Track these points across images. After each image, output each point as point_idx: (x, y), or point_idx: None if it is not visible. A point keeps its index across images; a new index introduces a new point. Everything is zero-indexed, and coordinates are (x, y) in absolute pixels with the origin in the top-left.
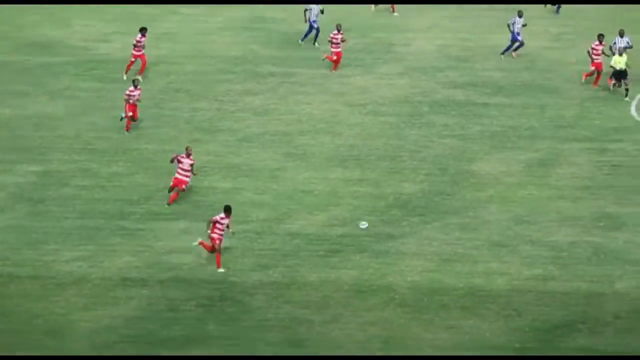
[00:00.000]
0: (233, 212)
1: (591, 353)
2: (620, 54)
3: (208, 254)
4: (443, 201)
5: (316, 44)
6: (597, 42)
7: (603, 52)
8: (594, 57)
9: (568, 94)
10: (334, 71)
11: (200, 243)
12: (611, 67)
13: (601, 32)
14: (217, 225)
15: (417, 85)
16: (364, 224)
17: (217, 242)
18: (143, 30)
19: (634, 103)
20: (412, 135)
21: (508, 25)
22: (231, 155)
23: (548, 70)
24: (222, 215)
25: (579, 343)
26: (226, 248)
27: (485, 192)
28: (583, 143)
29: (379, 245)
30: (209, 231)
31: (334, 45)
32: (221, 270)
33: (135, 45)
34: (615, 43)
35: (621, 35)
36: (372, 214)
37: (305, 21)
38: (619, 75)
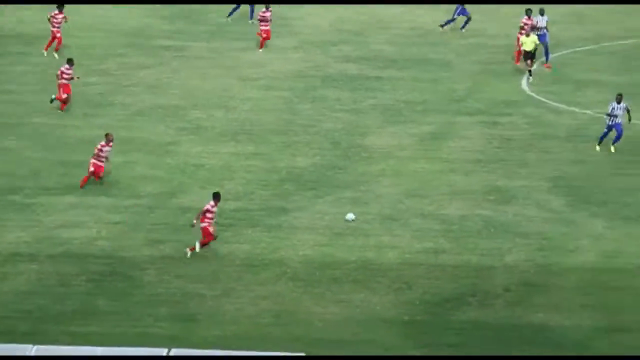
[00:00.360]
0: (125, 186)
1: (481, 325)
2: (528, 35)
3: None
4: (335, 175)
5: (251, 21)
6: (525, 17)
7: (533, 27)
8: (522, 32)
9: (460, 68)
10: (260, 49)
11: (192, 249)
12: (519, 46)
13: (529, 8)
14: (207, 214)
15: (310, 59)
16: (350, 217)
17: (211, 228)
18: (60, 7)
19: (524, 77)
20: (305, 110)
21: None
22: (123, 130)
23: (440, 44)
24: (212, 202)
25: (469, 316)
26: (117, 223)
27: (378, 165)
28: (474, 116)
29: (271, 220)
30: (195, 221)
31: (262, 23)
32: (190, 251)
33: (51, 22)
34: (537, 22)
35: (542, 14)
36: (265, 188)
37: None
38: (527, 55)
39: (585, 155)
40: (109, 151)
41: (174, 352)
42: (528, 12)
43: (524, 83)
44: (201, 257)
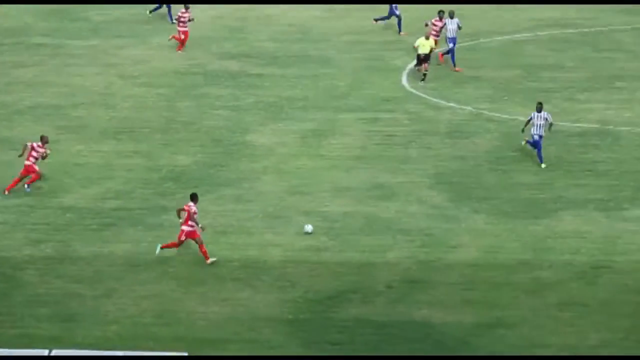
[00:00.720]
0: (5, 185)
1: (363, 323)
2: (427, 38)
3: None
4: (217, 173)
5: (150, 14)
6: (436, 18)
7: (440, 30)
8: (432, 33)
9: (341, 64)
10: (178, 51)
11: (164, 247)
12: (414, 48)
13: (441, 9)
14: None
15: (191, 56)
16: (308, 228)
17: (198, 235)
18: None
19: (405, 73)
20: (186, 107)
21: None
22: (3, 129)
23: (320, 41)
24: (191, 203)
25: (352, 313)
26: None
27: (260, 163)
28: (356, 113)
29: (153, 219)
30: (181, 221)
31: (181, 24)
32: (213, 259)
33: None
34: (445, 24)
35: (451, 16)
36: (147, 186)
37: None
38: (423, 58)
39: (466, 151)
40: (42, 153)
41: (55, 353)
42: (440, 14)
43: (404, 79)
44: (82, 257)
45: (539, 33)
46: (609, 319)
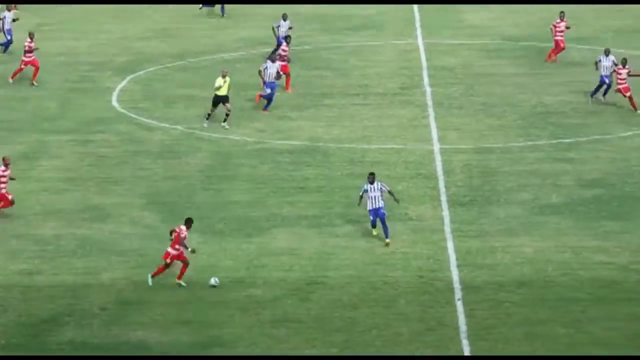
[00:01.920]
0: None
1: (78, 346)
2: (224, 76)
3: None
4: None
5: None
6: (285, 45)
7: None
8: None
9: (49, 86)
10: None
11: (155, 275)
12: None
13: (288, 34)
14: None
15: None
16: (214, 281)
17: (185, 257)
18: None
19: (114, 93)
20: None
21: (273, 29)
22: None
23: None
24: (184, 227)
25: (66, 336)
26: None
27: None
28: (66, 135)
29: None
30: (170, 247)
31: (27, 54)
32: (183, 284)
33: None
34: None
35: (273, 60)
36: None
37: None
38: (219, 100)
39: (178, 171)
40: (9, 175)
41: None
42: (288, 39)
43: (114, 100)
44: None
45: (251, 51)
46: (323, 334)
